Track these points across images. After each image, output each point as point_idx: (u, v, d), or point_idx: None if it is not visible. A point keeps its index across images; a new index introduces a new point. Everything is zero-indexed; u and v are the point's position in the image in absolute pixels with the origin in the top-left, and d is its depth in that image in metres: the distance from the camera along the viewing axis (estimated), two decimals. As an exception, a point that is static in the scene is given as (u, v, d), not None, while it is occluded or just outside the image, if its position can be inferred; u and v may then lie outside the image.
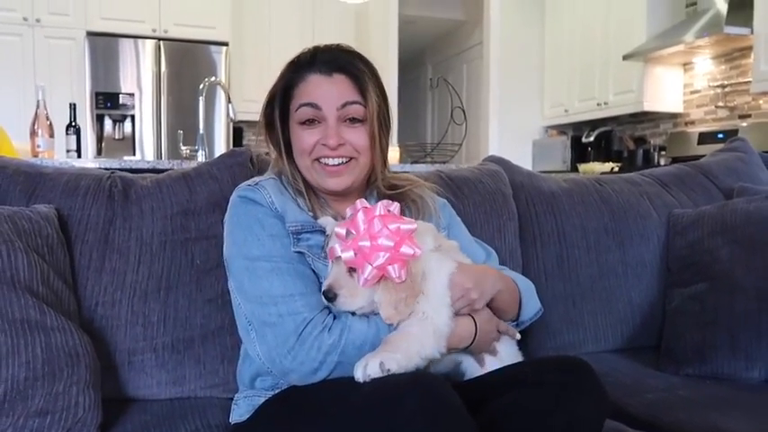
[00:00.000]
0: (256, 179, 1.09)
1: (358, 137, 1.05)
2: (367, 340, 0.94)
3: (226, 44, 4.94)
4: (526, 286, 1.17)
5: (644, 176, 1.70)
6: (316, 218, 1.06)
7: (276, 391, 1.03)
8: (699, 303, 1.37)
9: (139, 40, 4.72)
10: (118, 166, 2.33)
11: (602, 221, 1.54)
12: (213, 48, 4.89)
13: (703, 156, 1.86)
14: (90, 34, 4.63)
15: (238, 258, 1.02)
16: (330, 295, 0.94)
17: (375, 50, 5.36)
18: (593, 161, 4.83)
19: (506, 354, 1.07)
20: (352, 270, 0.93)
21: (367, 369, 0.85)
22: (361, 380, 0.85)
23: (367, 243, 0.90)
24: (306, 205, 1.07)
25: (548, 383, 0.88)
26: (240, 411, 1.06)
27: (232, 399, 1.12)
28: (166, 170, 1.37)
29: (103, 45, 4.64)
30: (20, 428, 0.90)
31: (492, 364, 1.04)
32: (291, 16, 5.50)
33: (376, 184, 1.12)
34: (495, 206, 1.47)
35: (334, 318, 0.96)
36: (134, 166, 2.33)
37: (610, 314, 1.49)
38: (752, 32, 3.59)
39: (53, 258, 1.08)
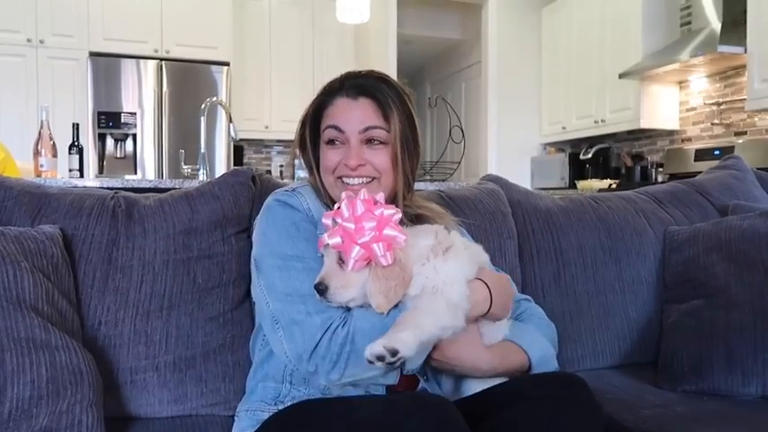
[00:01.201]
0: (294, 185, 1.14)
1: (379, 158, 1.08)
2: (375, 326, 0.95)
3: (227, 64, 5.00)
4: (540, 356, 1.11)
5: (639, 194, 1.72)
6: None
7: (279, 406, 1.04)
8: (695, 319, 1.38)
9: (141, 61, 4.77)
10: (120, 186, 2.36)
11: (599, 238, 1.56)
12: (214, 68, 4.94)
13: (700, 172, 1.88)
14: (93, 55, 4.68)
15: (270, 257, 1.04)
16: (321, 288, 0.95)
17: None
18: (591, 178, 4.86)
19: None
20: (342, 262, 0.95)
21: (373, 349, 0.86)
22: (370, 360, 0.87)
23: (351, 225, 0.93)
24: None
25: (547, 398, 0.90)
26: (242, 425, 1.08)
27: (233, 416, 1.13)
28: (168, 189, 1.39)
29: (106, 65, 4.69)
30: (24, 447, 0.91)
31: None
32: (291, 36, 5.57)
33: (398, 206, 1.11)
34: (495, 225, 1.49)
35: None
36: (137, 186, 2.35)
37: (607, 330, 1.50)
38: (745, 51, 3.63)
39: (58, 278, 1.10)
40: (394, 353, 0.86)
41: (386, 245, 0.93)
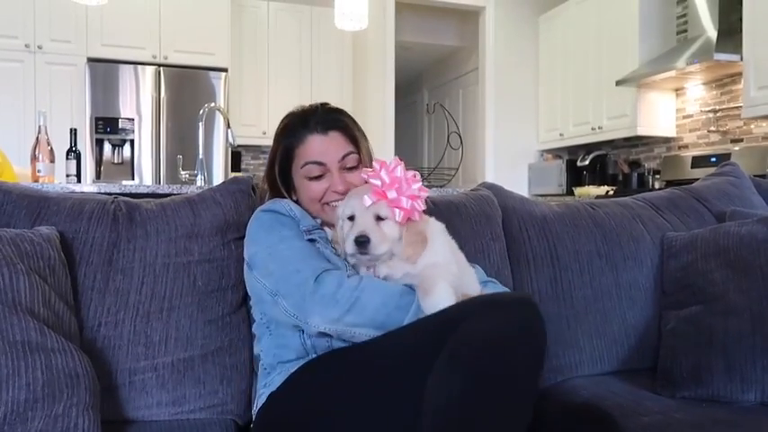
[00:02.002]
0: (274, 199, 1.25)
1: (357, 178, 1.23)
2: (381, 286, 1.05)
3: (225, 70, 5.00)
4: None
5: (637, 200, 1.72)
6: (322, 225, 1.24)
7: (280, 374, 1.11)
8: (693, 326, 1.38)
9: (139, 66, 4.77)
10: (118, 191, 2.36)
11: (595, 244, 1.56)
12: (212, 74, 4.94)
13: (697, 179, 1.88)
14: (91, 60, 4.68)
15: (261, 252, 1.15)
16: (362, 239, 1.04)
17: (372, 76, 5.44)
18: (588, 185, 4.87)
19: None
20: (380, 219, 1.07)
21: (439, 305, 0.98)
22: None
23: (402, 183, 1.07)
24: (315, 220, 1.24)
25: None
26: (275, 381, 1.12)
27: (232, 419, 1.12)
28: (166, 195, 1.40)
29: (104, 71, 4.69)
30: (20, 450, 0.91)
31: None
32: (290, 43, 5.59)
33: None
34: (478, 228, 1.49)
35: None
36: (134, 191, 2.35)
37: (605, 336, 1.50)
38: (741, 59, 3.66)
39: (54, 280, 1.09)
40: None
41: (422, 201, 1.10)
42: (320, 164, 1.21)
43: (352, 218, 1.10)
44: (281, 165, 1.25)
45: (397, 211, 1.07)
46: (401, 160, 1.12)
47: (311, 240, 1.15)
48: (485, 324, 0.88)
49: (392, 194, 1.07)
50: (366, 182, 1.13)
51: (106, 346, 1.16)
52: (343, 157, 1.22)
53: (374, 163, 1.12)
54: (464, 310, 0.92)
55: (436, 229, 1.18)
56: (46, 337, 0.99)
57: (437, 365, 0.87)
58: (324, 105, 1.28)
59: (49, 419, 0.93)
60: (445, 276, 1.04)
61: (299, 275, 1.06)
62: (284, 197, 1.25)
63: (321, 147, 1.22)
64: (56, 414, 0.94)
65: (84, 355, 1.03)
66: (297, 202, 1.25)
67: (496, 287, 1.31)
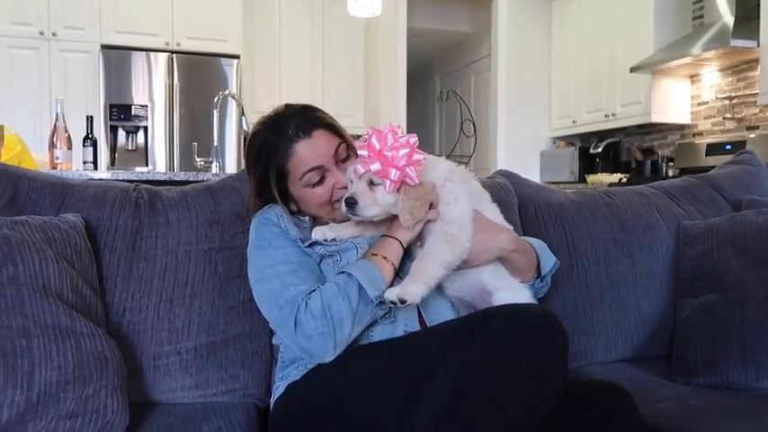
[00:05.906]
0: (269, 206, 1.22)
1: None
2: (340, 286, 1.07)
3: (237, 57, 5.00)
4: (539, 244, 1.28)
5: (652, 188, 1.72)
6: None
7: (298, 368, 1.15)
8: (709, 314, 1.38)
9: (152, 54, 4.78)
10: (135, 178, 2.39)
11: (611, 233, 1.56)
12: (224, 60, 4.95)
13: (712, 167, 1.88)
14: (104, 47, 4.70)
15: (253, 274, 1.16)
16: (351, 201, 1.08)
17: (384, 63, 5.42)
18: (601, 172, 4.85)
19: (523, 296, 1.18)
20: (372, 185, 1.09)
21: (390, 296, 1.04)
22: (383, 301, 1.05)
23: (389, 153, 1.07)
24: (309, 223, 1.23)
25: (595, 408, 0.96)
26: (285, 384, 1.14)
27: (253, 403, 1.15)
28: (183, 182, 1.42)
29: (117, 58, 4.71)
30: (52, 430, 0.93)
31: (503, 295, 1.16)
32: (302, 29, 5.57)
33: None
34: None
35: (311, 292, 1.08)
36: (152, 178, 2.38)
37: (620, 324, 1.51)
38: (758, 45, 3.61)
39: (81, 266, 1.12)
40: (402, 301, 1.03)
41: (416, 167, 1.08)
42: (319, 167, 1.17)
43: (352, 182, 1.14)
44: (278, 186, 1.19)
45: (387, 181, 1.08)
46: (398, 127, 1.10)
47: (313, 244, 1.16)
48: (488, 340, 0.90)
49: (376, 166, 1.07)
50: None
51: (131, 331, 1.19)
52: (336, 151, 1.18)
53: (368, 130, 1.10)
54: (481, 319, 0.95)
55: (452, 180, 1.15)
56: (75, 321, 1.01)
57: (439, 375, 0.90)
58: (289, 107, 1.23)
59: (80, 400, 0.96)
60: (432, 268, 1.07)
61: (285, 315, 1.07)
62: (288, 209, 1.22)
63: (312, 151, 1.16)
64: (86, 395, 0.97)
65: (111, 338, 1.06)
66: (299, 211, 1.23)
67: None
